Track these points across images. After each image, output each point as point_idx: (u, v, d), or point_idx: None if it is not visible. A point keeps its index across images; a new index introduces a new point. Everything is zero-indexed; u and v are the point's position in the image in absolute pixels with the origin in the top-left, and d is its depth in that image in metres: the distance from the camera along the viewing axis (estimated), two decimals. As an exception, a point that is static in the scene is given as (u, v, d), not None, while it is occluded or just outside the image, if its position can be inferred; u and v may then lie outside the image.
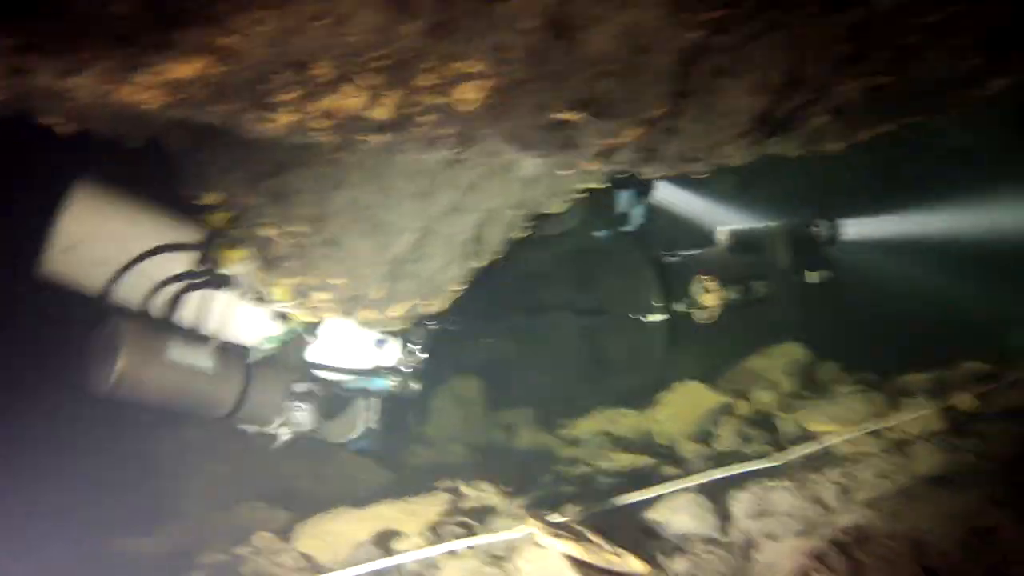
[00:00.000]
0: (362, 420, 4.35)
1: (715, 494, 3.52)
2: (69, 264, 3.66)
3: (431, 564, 3.45)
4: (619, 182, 5.08)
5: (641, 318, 5.28)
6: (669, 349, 5.43)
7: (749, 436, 4.63)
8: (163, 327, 3.77)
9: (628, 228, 5.43)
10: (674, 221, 6.71)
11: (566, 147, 2.66)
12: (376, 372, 4.22)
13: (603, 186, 4.71)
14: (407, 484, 4.38)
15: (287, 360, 4.02)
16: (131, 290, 3.74)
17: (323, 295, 3.51)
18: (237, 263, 3.77)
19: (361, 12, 2.12)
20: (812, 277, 6.14)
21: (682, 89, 2.65)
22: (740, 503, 3.42)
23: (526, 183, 3.31)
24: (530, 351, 6.15)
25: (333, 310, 3.57)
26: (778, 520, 3.26)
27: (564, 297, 5.94)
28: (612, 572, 2.86)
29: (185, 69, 2.32)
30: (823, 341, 6.18)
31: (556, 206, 3.50)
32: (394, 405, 4.48)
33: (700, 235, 6.16)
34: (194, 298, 3.83)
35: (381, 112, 2.49)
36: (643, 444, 5.09)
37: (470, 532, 3.70)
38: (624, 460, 4.60)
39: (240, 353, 3.93)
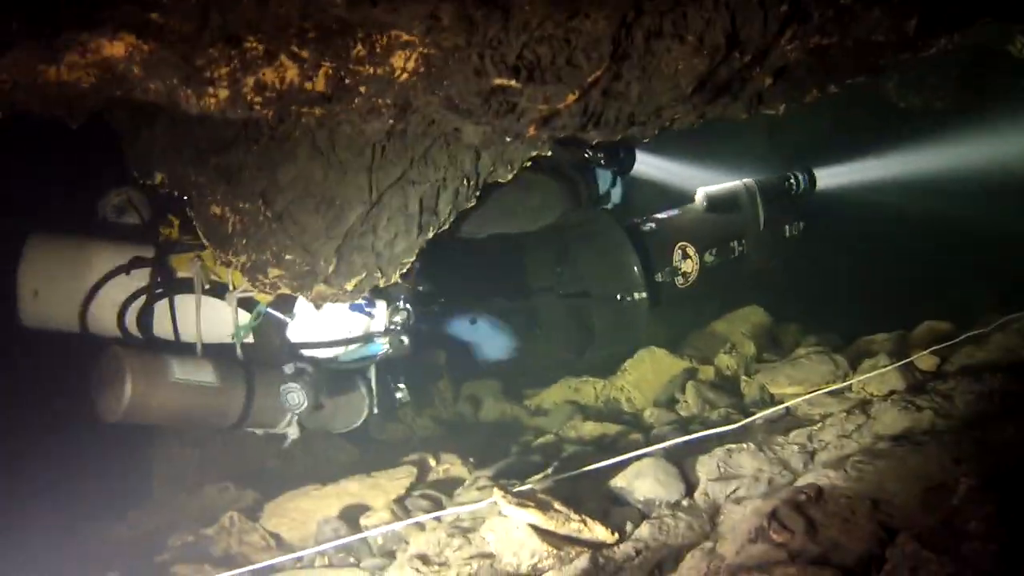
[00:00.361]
0: (366, 405, 4.33)
1: (680, 459, 3.52)
2: (40, 309, 3.84)
3: (399, 538, 3.46)
4: (597, 161, 5.05)
5: (626, 297, 5.20)
6: (651, 319, 5.34)
7: (713, 401, 4.64)
8: (162, 347, 3.84)
9: (609, 206, 5.30)
10: (654, 189, 6.65)
11: (506, 113, 2.64)
12: (368, 338, 4.16)
13: (580, 165, 4.92)
14: (374, 459, 4.37)
15: (270, 346, 4.02)
16: (101, 318, 3.87)
17: (277, 271, 3.48)
18: (187, 265, 3.90)
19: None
20: (789, 231, 6.09)
21: (620, 52, 2.63)
22: (705, 467, 3.43)
23: (473, 152, 3.29)
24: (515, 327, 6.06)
25: (288, 286, 3.54)
26: (742, 483, 3.26)
27: (547, 279, 5.93)
28: (577, 540, 2.85)
29: (115, 47, 2.29)
30: (795, 297, 6.23)
31: (506, 174, 3.47)
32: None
33: (679, 198, 6.06)
34: (161, 309, 3.92)
35: (317, 84, 2.46)
36: (609, 412, 5.10)
37: (436, 505, 3.71)
38: (589, 428, 4.60)
39: (241, 362, 3.95)
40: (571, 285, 5.75)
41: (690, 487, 3.32)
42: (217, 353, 3.92)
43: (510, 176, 3.51)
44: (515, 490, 3.13)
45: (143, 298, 3.89)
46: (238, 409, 3.83)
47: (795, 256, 6.24)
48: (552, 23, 2.39)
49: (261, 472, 4.73)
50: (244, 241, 3.44)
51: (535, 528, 2.82)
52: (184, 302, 3.93)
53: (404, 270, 3.62)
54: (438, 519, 3.40)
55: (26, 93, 2.54)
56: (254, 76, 2.46)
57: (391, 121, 2.58)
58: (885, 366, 4.24)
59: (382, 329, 4.18)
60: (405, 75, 2.41)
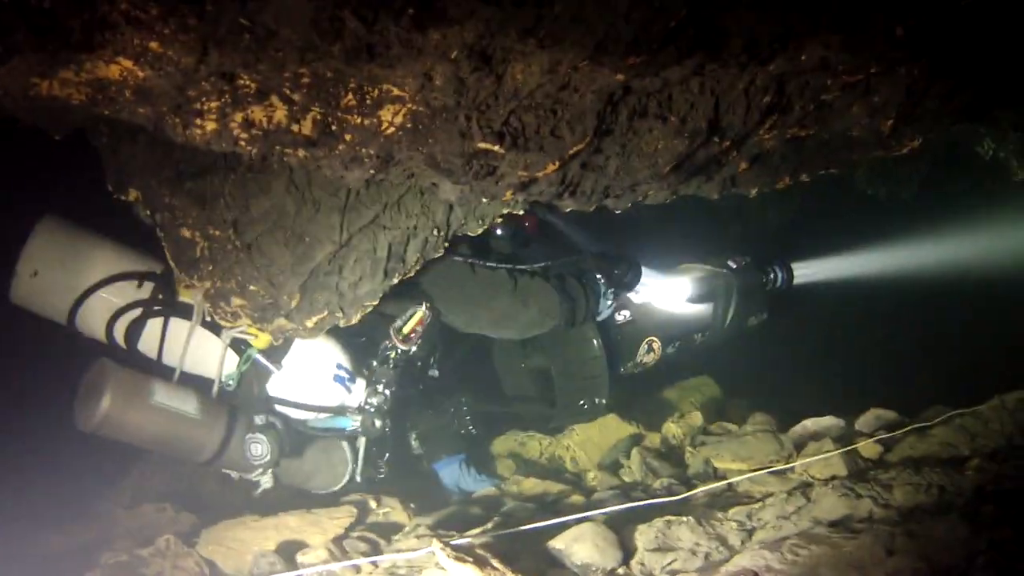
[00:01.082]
0: (347, 471, 4.26)
1: (619, 526, 3.54)
2: (34, 290, 3.78)
3: (335, 578, 3.45)
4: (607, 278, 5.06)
5: (591, 401, 5.16)
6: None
7: (657, 469, 4.67)
8: (152, 368, 3.80)
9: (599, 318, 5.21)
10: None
11: (486, 176, 2.69)
12: (340, 410, 4.16)
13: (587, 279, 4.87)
14: (315, 495, 4.36)
15: (247, 392, 3.97)
16: (91, 318, 3.82)
17: (240, 300, 3.49)
18: (191, 292, 3.77)
19: (286, 29, 2.13)
20: (752, 321, 6.18)
21: (604, 128, 2.70)
22: (643, 537, 3.44)
23: (447, 205, 3.34)
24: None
25: (249, 317, 3.55)
26: (679, 556, 3.29)
27: (523, 390, 5.79)
28: (512, 600, 2.87)
29: (111, 69, 2.32)
30: (746, 375, 6.30)
31: (476, 228, 3.53)
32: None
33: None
34: (153, 327, 3.86)
35: (304, 127, 2.50)
36: (552, 470, 5.11)
37: (374, 548, 3.71)
38: (531, 485, 4.62)
39: (224, 401, 3.90)
40: (536, 357, 5.66)
41: (627, 555, 3.33)
42: (192, 384, 3.86)
43: (480, 231, 3.56)
44: (453, 542, 3.14)
45: (139, 311, 3.84)
46: (214, 447, 3.78)
47: (755, 344, 6.36)
48: (542, 93, 2.45)
49: (199, 494, 4.69)
50: (211, 267, 3.46)
51: (471, 583, 2.84)
52: (177, 326, 3.88)
53: (366, 312, 3.66)
54: (375, 563, 3.41)
55: (14, 103, 2.56)
56: (243, 113, 2.49)
57: (372, 171, 2.62)
58: (829, 451, 4.30)
59: (355, 406, 4.17)
60: (392, 129, 2.45)
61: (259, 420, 3.89)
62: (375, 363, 4.23)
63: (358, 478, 4.25)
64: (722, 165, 3.36)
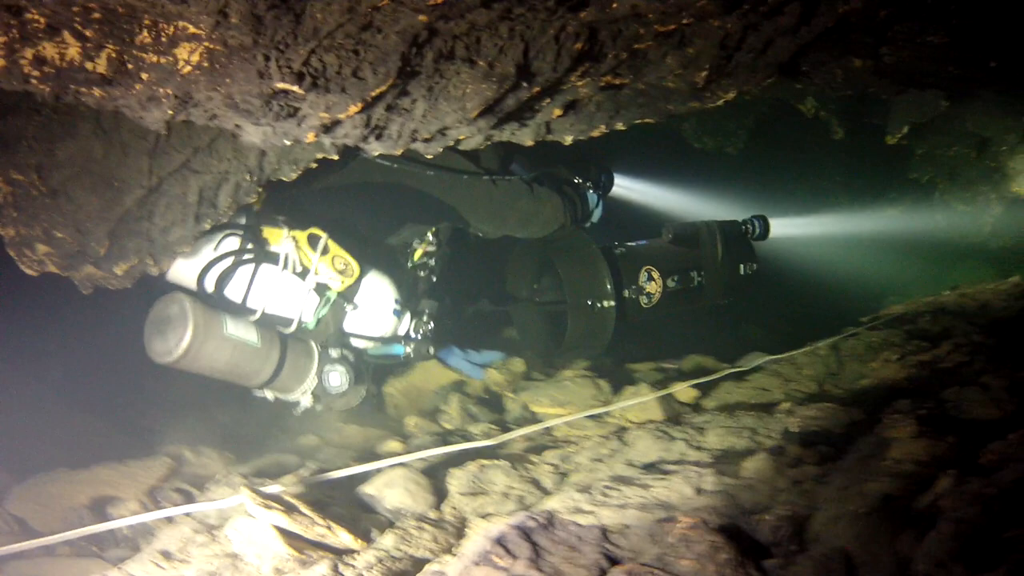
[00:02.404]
0: (364, 388, 4.62)
1: (434, 471, 3.57)
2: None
3: (146, 531, 3.39)
4: (587, 182, 5.81)
5: (596, 304, 5.82)
6: (616, 331, 5.91)
7: (476, 415, 4.72)
8: (219, 303, 4.05)
9: (588, 224, 5.93)
10: (628, 215, 7.32)
11: (287, 117, 2.64)
12: (395, 339, 4.71)
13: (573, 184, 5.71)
14: (131, 446, 4.27)
15: (324, 329, 4.37)
16: (182, 268, 4.04)
17: (45, 248, 3.36)
18: (281, 241, 4.22)
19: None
20: (743, 269, 6.73)
21: (410, 70, 2.67)
22: (457, 480, 3.48)
23: (259, 150, 3.27)
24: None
25: (56, 265, 3.43)
26: (491, 499, 3.33)
27: (526, 288, 6.62)
28: (322, 545, 2.86)
29: None
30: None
31: (291, 173, 3.47)
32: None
33: (648, 228, 6.69)
34: (243, 274, 4.12)
35: (99, 65, 2.40)
36: (373, 417, 5.11)
37: (188, 499, 3.65)
38: (351, 432, 4.61)
39: (276, 325, 4.26)
40: (547, 294, 6.48)
41: (440, 500, 3.37)
42: (270, 324, 4.22)
43: (295, 175, 3.51)
44: (264, 490, 3.11)
45: (231, 260, 4.06)
46: (268, 373, 4.10)
47: (745, 289, 6.76)
48: (343, 33, 2.41)
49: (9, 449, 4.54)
50: (15, 214, 3.31)
51: (280, 530, 2.82)
52: (266, 272, 4.17)
53: (176, 258, 3.58)
54: (188, 514, 3.35)
55: None
56: (33, 49, 2.38)
57: (171, 112, 2.54)
58: (646, 395, 4.41)
59: (404, 334, 4.76)
60: (188, 68, 2.37)
61: (335, 353, 4.39)
62: (418, 294, 4.92)
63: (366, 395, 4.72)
64: (536, 111, 3.37)
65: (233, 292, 4.09)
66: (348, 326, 4.48)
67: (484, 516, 3.19)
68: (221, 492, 3.59)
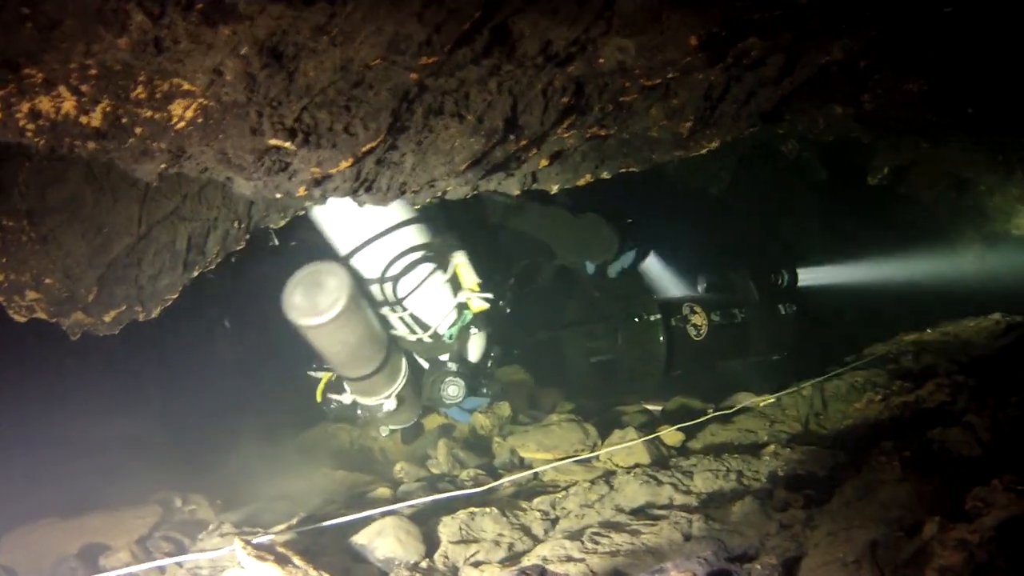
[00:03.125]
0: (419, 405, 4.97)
1: (424, 519, 3.56)
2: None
3: (137, 580, 3.38)
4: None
5: (644, 316, 6.36)
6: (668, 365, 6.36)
7: (463, 460, 4.72)
8: (373, 286, 4.37)
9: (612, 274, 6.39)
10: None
11: (278, 172, 2.67)
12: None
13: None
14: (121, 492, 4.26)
15: (451, 344, 4.70)
16: (371, 258, 4.32)
17: (34, 294, 3.38)
18: (453, 258, 4.56)
19: (69, 20, 2.07)
20: (783, 309, 7.08)
21: (400, 125, 2.71)
22: (447, 529, 3.47)
23: (247, 198, 3.30)
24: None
25: (44, 312, 3.44)
26: (482, 547, 3.33)
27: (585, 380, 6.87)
28: (314, 596, 2.86)
29: None
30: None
31: (279, 220, 3.50)
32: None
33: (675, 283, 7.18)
34: (421, 270, 4.46)
35: (94, 119, 2.43)
36: (361, 461, 5.10)
37: (179, 548, 3.64)
38: (340, 478, 4.60)
39: (403, 329, 4.59)
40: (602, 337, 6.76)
41: (431, 548, 3.36)
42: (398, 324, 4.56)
43: (283, 223, 3.54)
44: (255, 540, 3.11)
45: (420, 254, 4.41)
46: (375, 366, 4.30)
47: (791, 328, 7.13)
48: (335, 90, 2.45)
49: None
50: (4, 260, 3.33)
51: (272, 582, 2.82)
52: (434, 277, 4.51)
53: (166, 306, 3.60)
54: (179, 564, 3.35)
55: None
56: (30, 103, 2.41)
57: (163, 165, 2.56)
58: (632, 439, 4.42)
59: None
60: (183, 123, 2.40)
61: (452, 366, 4.66)
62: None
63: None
64: (523, 162, 3.41)
65: (403, 285, 4.42)
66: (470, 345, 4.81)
67: (476, 565, 3.18)
68: (212, 541, 3.58)
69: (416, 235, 4.42)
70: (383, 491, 4.27)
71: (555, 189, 3.84)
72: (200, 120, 2.40)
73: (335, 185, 2.89)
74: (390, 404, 4.56)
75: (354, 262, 4.28)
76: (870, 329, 7.82)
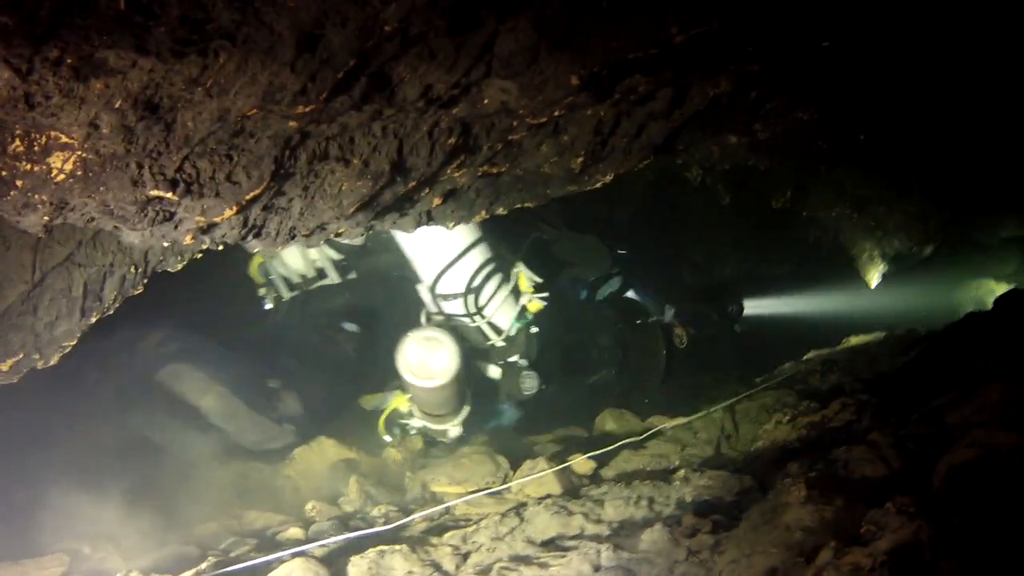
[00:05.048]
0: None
1: (334, 559, 3.55)
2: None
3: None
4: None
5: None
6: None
7: (375, 496, 4.71)
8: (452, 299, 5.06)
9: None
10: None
11: (163, 222, 2.67)
12: None
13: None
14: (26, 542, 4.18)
15: (520, 342, 5.39)
16: (455, 277, 4.91)
17: (-75, 347, 3.33)
18: (514, 267, 5.32)
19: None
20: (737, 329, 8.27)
21: (284, 172, 2.72)
22: (356, 568, 3.45)
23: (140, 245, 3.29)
24: None
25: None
26: (392, 586, 3.33)
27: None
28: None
29: None
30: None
31: (176, 264, 3.49)
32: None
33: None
34: (488, 286, 5.09)
35: (-30, 173, 2.41)
36: (272, 501, 5.05)
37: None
38: (251, 518, 4.56)
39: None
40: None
41: (339, 589, 3.36)
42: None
43: (180, 266, 3.53)
44: (158, 588, 3.09)
45: (492, 267, 5.06)
46: (456, 406, 5.14)
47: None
48: (215, 139, 2.46)
49: None
50: None
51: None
52: (504, 287, 5.23)
53: (65, 352, 3.56)
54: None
55: None
56: (-97, 158, 2.39)
57: (46, 217, 2.55)
58: (543, 469, 4.44)
59: None
60: (62, 176, 2.40)
61: (525, 362, 5.32)
62: None
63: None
64: (415, 201, 3.44)
65: (482, 296, 5.02)
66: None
67: (384, 607, 3.19)
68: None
69: (485, 252, 5.00)
70: (294, 531, 4.23)
71: (452, 226, 3.88)
72: (80, 172, 2.40)
73: (223, 232, 2.90)
74: (455, 431, 5.27)
75: (441, 284, 4.87)
76: (789, 345, 8.08)
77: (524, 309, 5.20)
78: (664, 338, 6.99)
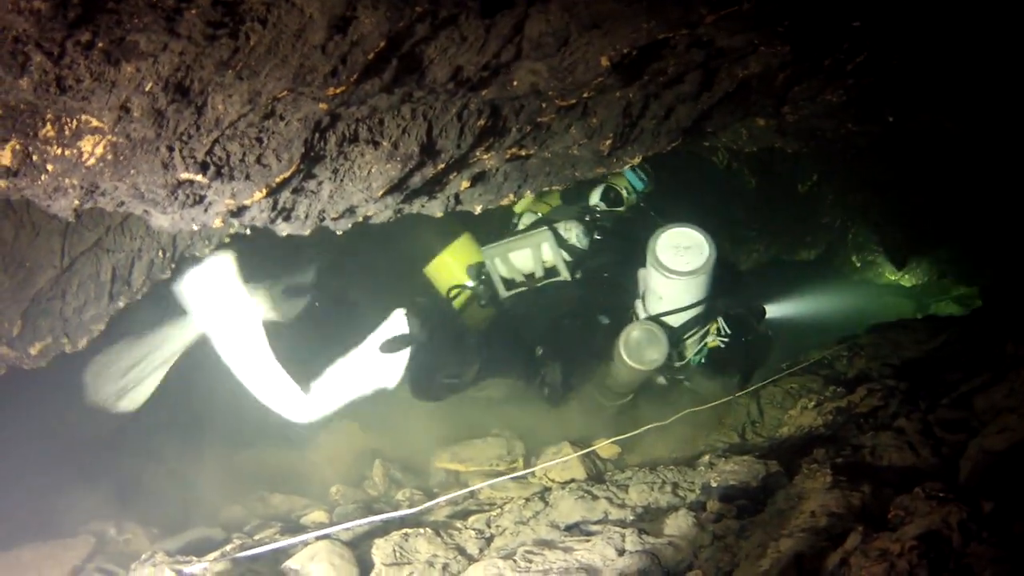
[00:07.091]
0: None
1: (359, 541, 3.56)
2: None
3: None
4: None
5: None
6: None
7: (400, 480, 4.71)
8: None
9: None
10: None
11: (193, 205, 2.67)
12: None
13: None
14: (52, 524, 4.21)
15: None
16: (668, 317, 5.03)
17: (-43, 330, 3.34)
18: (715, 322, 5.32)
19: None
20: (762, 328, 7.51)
21: (314, 154, 2.71)
22: (381, 551, 3.46)
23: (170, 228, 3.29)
24: None
25: (-33, 345, 3.41)
26: (416, 568, 3.33)
27: None
28: (246, 621, 2.86)
29: None
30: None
31: (204, 249, 3.49)
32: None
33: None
34: (690, 326, 5.13)
35: (3, 158, 2.41)
36: (299, 485, 5.06)
37: (111, 578, 3.61)
38: (277, 502, 4.57)
39: None
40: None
41: (365, 571, 3.36)
42: None
43: (208, 251, 3.53)
44: (188, 569, 3.10)
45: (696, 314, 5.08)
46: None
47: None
48: (245, 122, 2.45)
49: None
50: (-78, 296, 3.30)
51: (204, 611, 2.81)
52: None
53: (93, 337, 3.57)
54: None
55: None
56: (-66, 142, 2.39)
57: (77, 201, 2.55)
58: (568, 454, 4.44)
59: None
60: (93, 160, 2.40)
61: (688, 384, 5.45)
62: None
63: None
64: (444, 185, 3.43)
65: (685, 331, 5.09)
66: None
67: (409, 587, 3.19)
68: (144, 572, 3.55)
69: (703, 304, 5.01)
70: (319, 514, 4.25)
71: (479, 210, 3.86)
72: (111, 156, 2.39)
73: (252, 215, 2.90)
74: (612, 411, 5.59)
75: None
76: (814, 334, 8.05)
77: (705, 346, 5.28)
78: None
